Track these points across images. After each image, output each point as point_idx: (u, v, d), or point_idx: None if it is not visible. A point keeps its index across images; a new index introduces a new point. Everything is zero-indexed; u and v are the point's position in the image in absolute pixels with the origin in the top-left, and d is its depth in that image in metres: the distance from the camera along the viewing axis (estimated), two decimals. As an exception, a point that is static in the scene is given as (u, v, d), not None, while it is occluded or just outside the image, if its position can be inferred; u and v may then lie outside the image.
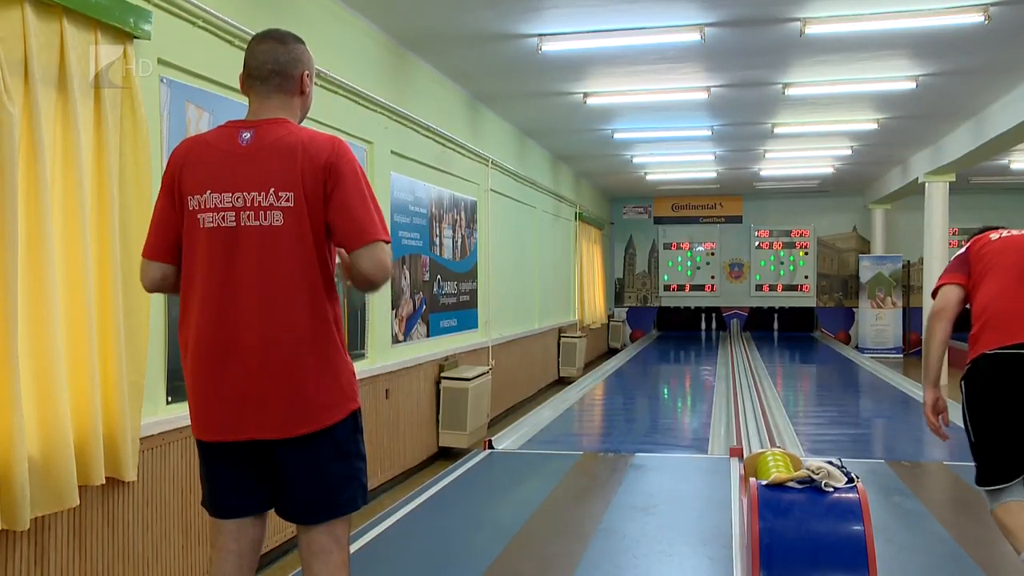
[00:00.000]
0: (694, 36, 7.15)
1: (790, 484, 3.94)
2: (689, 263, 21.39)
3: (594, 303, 17.33)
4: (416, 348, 7.84)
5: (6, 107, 3.15)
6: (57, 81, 3.48)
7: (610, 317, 20.41)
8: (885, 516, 5.14)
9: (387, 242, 2.58)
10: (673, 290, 21.48)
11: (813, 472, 3.97)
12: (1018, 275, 3.65)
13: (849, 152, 13.87)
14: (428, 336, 8.20)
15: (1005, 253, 3.75)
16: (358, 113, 6.54)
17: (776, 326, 21.97)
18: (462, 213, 9.25)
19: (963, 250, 3.92)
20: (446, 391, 8.09)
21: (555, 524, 5.21)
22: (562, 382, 13.65)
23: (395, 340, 7.34)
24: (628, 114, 10.77)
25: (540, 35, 7.28)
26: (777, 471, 4.28)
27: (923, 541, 4.93)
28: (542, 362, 12.99)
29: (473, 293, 9.65)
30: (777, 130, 11.65)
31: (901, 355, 17.70)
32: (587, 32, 7.19)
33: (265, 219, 2.50)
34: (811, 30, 6.96)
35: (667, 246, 21.44)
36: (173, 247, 2.63)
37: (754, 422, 8.82)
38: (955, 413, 4.29)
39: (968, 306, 3.81)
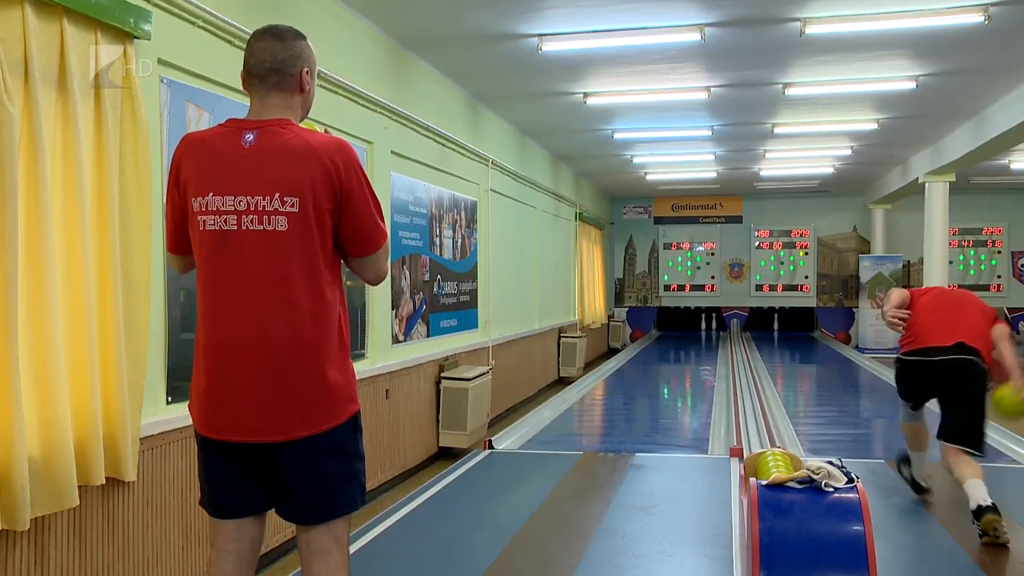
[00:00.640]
0: (694, 36, 7.15)
1: (790, 484, 3.94)
2: (689, 263, 21.40)
3: (594, 303, 17.33)
4: (416, 348, 7.84)
5: (6, 107, 3.15)
6: (57, 81, 3.48)
7: (610, 317, 20.41)
8: (885, 516, 5.14)
9: (386, 240, 2.65)
10: (673, 290, 21.49)
11: (813, 472, 3.97)
12: (932, 309, 5.63)
13: (849, 152, 13.87)
14: (428, 336, 8.20)
15: (928, 293, 5.86)
16: (358, 113, 6.54)
17: (776, 326, 21.98)
18: (462, 213, 9.25)
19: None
20: (446, 391, 8.09)
21: (555, 524, 5.20)
22: (562, 382, 13.65)
23: (395, 340, 7.34)
24: (628, 114, 10.77)
25: (540, 35, 7.28)
26: (777, 471, 4.28)
27: (923, 541, 4.93)
28: (542, 362, 12.99)
29: (473, 293, 9.65)
30: (777, 130, 11.65)
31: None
32: (587, 32, 7.20)
33: (269, 223, 2.48)
34: (811, 30, 6.96)
35: (667, 246, 21.45)
36: (188, 240, 2.64)
37: (754, 422, 8.82)
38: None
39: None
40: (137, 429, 3.87)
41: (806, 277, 20.84)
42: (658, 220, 21.34)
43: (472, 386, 8.12)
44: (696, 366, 15.86)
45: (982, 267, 19.62)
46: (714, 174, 16.52)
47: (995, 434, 7.87)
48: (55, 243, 3.42)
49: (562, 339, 14.23)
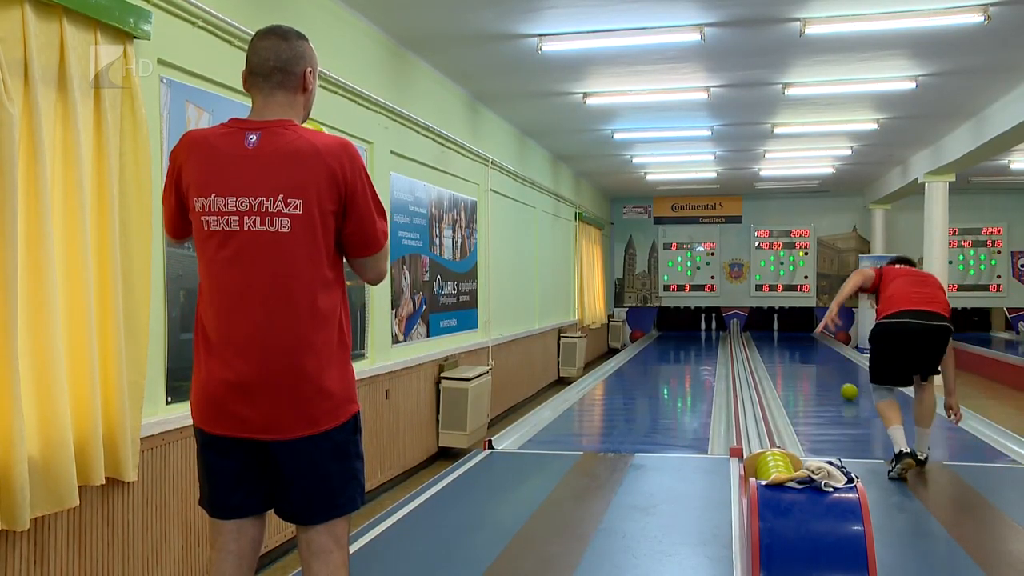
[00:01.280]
0: (694, 36, 7.16)
1: (790, 484, 3.94)
2: (689, 263, 21.39)
3: (594, 303, 17.33)
4: (416, 348, 7.84)
5: (6, 107, 3.15)
6: (57, 81, 3.48)
7: (610, 317, 20.42)
8: (884, 516, 5.14)
9: (387, 240, 2.69)
10: (673, 290, 21.48)
11: (813, 472, 3.97)
12: (903, 284, 6.28)
13: (849, 152, 13.88)
14: (428, 336, 8.20)
15: (899, 274, 6.40)
16: (358, 113, 6.54)
17: (776, 326, 21.98)
18: (462, 213, 9.25)
19: (879, 268, 6.60)
20: (446, 391, 8.09)
21: (555, 524, 5.20)
22: (562, 382, 13.65)
23: (395, 340, 7.34)
24: (628, 114, 10.78)
25: (540, 35, 7.28)
26: (777, 471, 4.28)
27: (923, 541, 4.93)
28: (542, 362, 12.99)
29: (473, 293, 9.65)
30: (777, 130, 11.65)
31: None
32: (587, 32, 7.20)
33: (272, 225, 2.48)
34: (811, 30, 6.96)
35: (667, 246, 21.44)
36: (188, 227, 2.65)
37: (754, 422, 8.82)
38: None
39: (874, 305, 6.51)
40: (137, 429, 3.87)
41: (806, 277, 20.85)
42: (658, 220, 21.34)
43: (472, 386, 8.13)
44: (696, 366, 15.85)
45: (982, 267, 19.62)
46: (714, 174, 16.52)
47: (995, 434, 7.88)
48: (55, 243, 3.42)
49: (562, 339, 14.23)
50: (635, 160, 14.77)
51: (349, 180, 2.54)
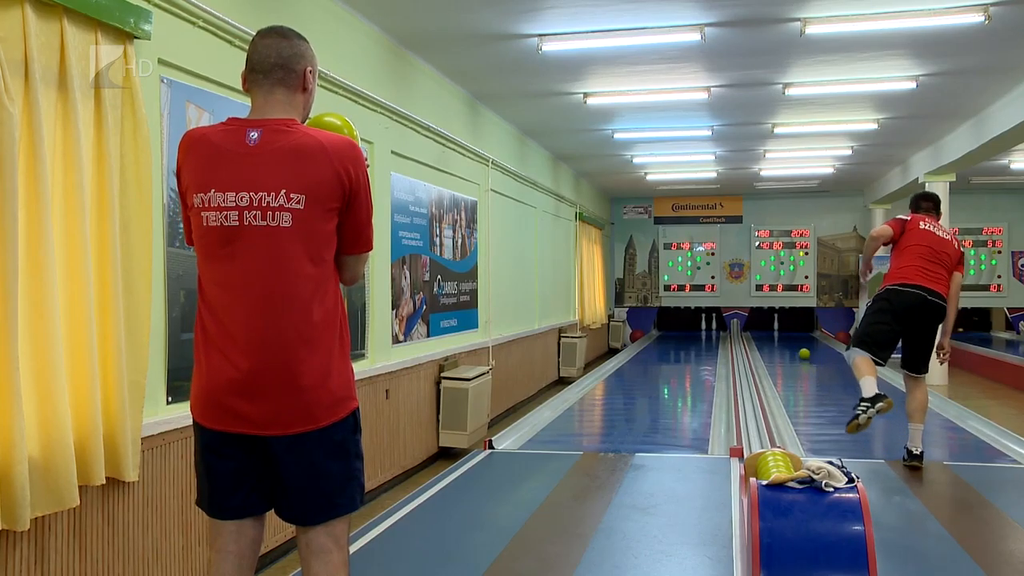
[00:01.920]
0: (694, 36, 7.16)
1: (790, 484, 3.94)
2: (689, 263, 21.39)
3: (594, 303, 17.33)
4: (416, 348, 7.84)
5: (6, 107, 3.15)
6: (57, 81, 3.49)
7: (610, 317, 20.42)
8: (885, 515, 5.14)
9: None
10: (673, 290, 21.48)
11: (813, 472, 3.97)
12: (929, 256, 6.37)
13: (849, 152, 13.88)
14: (428, 336, 8.20)
15: (920, 240, 6.42)
16: (358, 113, 6.54)
17: (776, 326, 21.98)
18: (462, 213, 9.25)
19: (907, 217, 6.61)
20: (446, 391, 8.09)
21: (555, 524, 5.20)
22: (562, 382, 13.65)
23: (395, 340, 7.34)
24: (628, 114, 10.78)
25: (540, 35, 7.28)
26: (777, 471, 4.28)
27: (923, 541, 4.93)
28: (542, 362, 12.99)
29: (473, 293, 9.65)
30: (777, 130, 11.65)
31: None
32: (587, 32, 7.20)
33: (272, 219, 2.48)
34: (811, 30, 6.96)
35: (667, 246, 21.44)
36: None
37: (754, 422, 8.82)
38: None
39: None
40: (138, 429, 3.88)
41: (806, 277, 20.84)
42: (658, 220, 21.34)
43: (472, 386, 8.13)
44: (696, 366, 15.85)
45: (982, 267, 19.61)
46: (714, 174, 16.52)
47: (995, 434, 7.88)
48: (55, 243, 3.43)
49: (562, 339, 14.24)
50: (635, 160, 14.77)
51: (353, 179, 2.56)
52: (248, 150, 2.52)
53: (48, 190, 3.35)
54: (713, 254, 21.27)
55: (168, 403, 4.33)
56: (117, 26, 3.75)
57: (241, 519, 2.66)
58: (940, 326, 6.50)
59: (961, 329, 19.11)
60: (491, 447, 7.38)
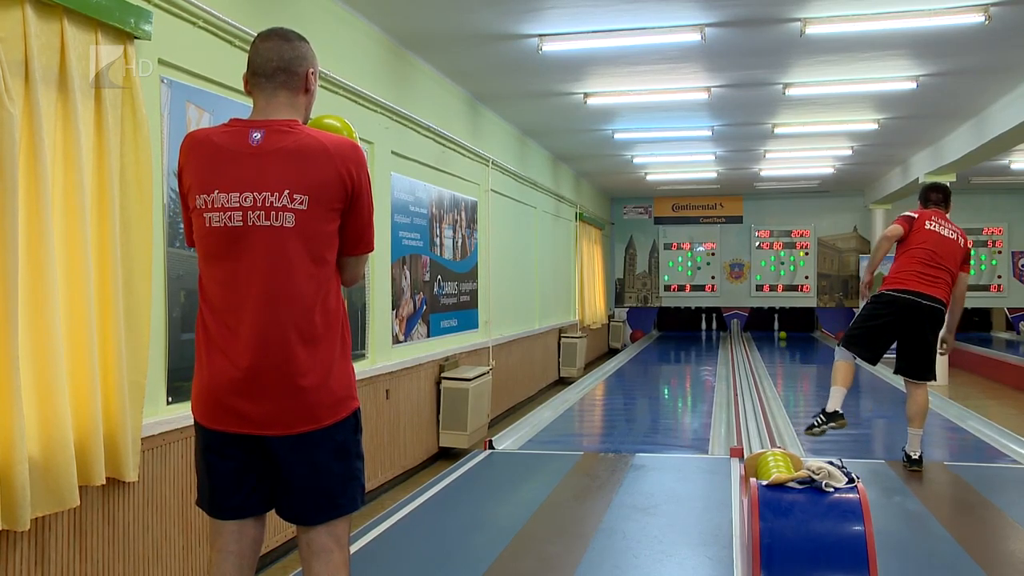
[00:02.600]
0: (694, 36, 7.16)
1: (790, 484, 3.94)
2: (689, 263, 21.39)
3: (594, 303, 17.33)
4: (416, 348, 7.84)
5: (7, 107, 3.15)
6: (58, 81, 3.49)
7: (610, 317, 20.41)
8: (885, 516, 5.14)
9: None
10: (673, 290, 21.48)
11: (813, 472, 3.97)
12: (934, 258, 6.29)
13: (849, 152, 13.88)
14: (428, 336, 8.20)
15: (923, 241, 6.33)
16: (358, 113, 6.54)
17: (776, 326, 21.99)
18: (462, 213, 9.25)
19: (915, 215, 6.51)
20: (446, 391, 8.09)
21: (555, 524, 5.20)
22: (562, 382, 13.65)
23: (395, 340, 7.34)
24: (628, 114, 10.78)
25: (540, 35, 7.28)
26: (777, 471, 4.28)
27: (923, 541, 4.92)
28: (542, 362, 12.99)
29: (473, 293, 9.65)
30: (777, 130, 11.65)
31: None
32: (587, 32, 7.20)
33: (276, 219, 2.49)
34: (811, 30, 6.96)
35: (667, 246, 21.44)
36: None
37: (754, 422, 8.81)
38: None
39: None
40: (138, 429, 3.88)
41: (806, 277, 20.85)
42: (658, 220, 21.34)
43: (472, 386, 8.13)
44: (696, 366, 15.85)
45: (982, 267, 19.60)
46: (714, 174, 16.53)
47: (995, 434, 7.88)
48: (55, 243, 3.43)
49: (562, 339, 14.24)
50: (635, 160, 14.78)
51: (356, 180, 2.58)
52: (251, 150, 2.53)
53: (48, 190, 3.36)
54: (713, 254, 21.27)
55: (168, 403, 4.33)
56: (117, 26, 3.75)
57: (242, 519, 2.66)
58: (940, 330, 6.40)
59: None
60: (491, 447, 7.38)
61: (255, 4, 5.12)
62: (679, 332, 22.06)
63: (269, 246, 2.50)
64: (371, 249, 2.73)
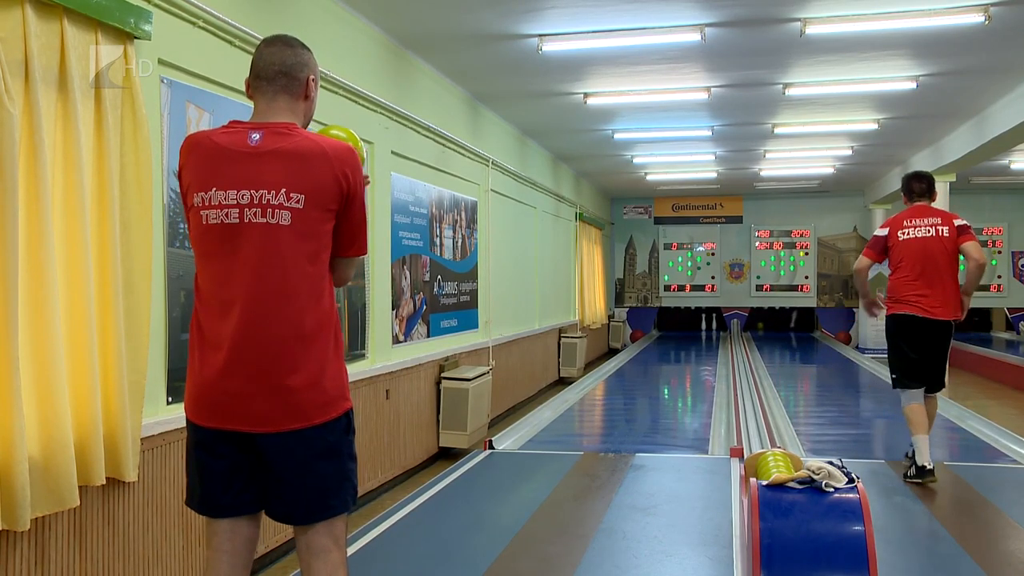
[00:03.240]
0: (694, 36, 7.15)
1: (790, 484, 3.94)
2: (689, 263, 21.39)
3: (594, 303, 17.33)
4: (416, 348, 7.84)
5: (6, 107, 3.15)
6: (57, 81, 3.49)
7: (610, 317, 20.41)
8: (885, 516, 5.14)
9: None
10: (673, 290, 21.48)
11: (813, 472, 3.97)
12: (918, 269, 6.08)
13: (849, 152, 13.88)
14: (428, 336, 8.20)
15: (905, 252, 6.15)
16: (358, 113, 6.54)
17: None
18: (462, 213, 9.25)
19: (884, 231, 6.30)
20: (446, 391, 8.09)
21: (555, 524, 5.20)
22: (562, 382, 13.65)
23: (395, 340, 7.34)
24: (628, 114, 10.78)
25: (540, 35, 7.28)
26: (778, 471, 4.28)
27: (923, 541, 4.93)
28: (542, 362, 12.99)
29: (473, 293, 9.65)
30: (777, 130, 11.65)
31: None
32: (587, 32, 7.20)
33: (273, 217, 2.53)
34: (811, 30, 6.96)
35: (667, 246, 21.44)
36: None
37: (754, 422, 8.81)
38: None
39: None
40: (138, 429, 3.88)
41: (806, 277, 20.85)
42: (658, 220, 21.33)
43: (472, 386, 8.13)
44: (696, 366, 15.85)
45: (983, 267, 19.55)
46: (714, 174, 16.53)
47: (995, 434, 7.88)
48: (55, 243, 3.43)
49: (562, 339, 14.24)
50: (635, 160, 14.78)
51: (351, 183, 2.61)
52: (250, 150, 2.56)
53: (48, 190, 3.36)
54: (713, 254, 21.27)
55: (168, 403, 4.33)
56: (117, 26, 3.75)
57: (234, 518, 2.67)
58: (950, 340, 6.21)
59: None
60: (491, 447, 7.38)
61: (255, 4, 5.12)
62: (679, 332, 22.06)
63: (265, 243, 2.52)
64: (364, 252, 2.76)
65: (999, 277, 19.67)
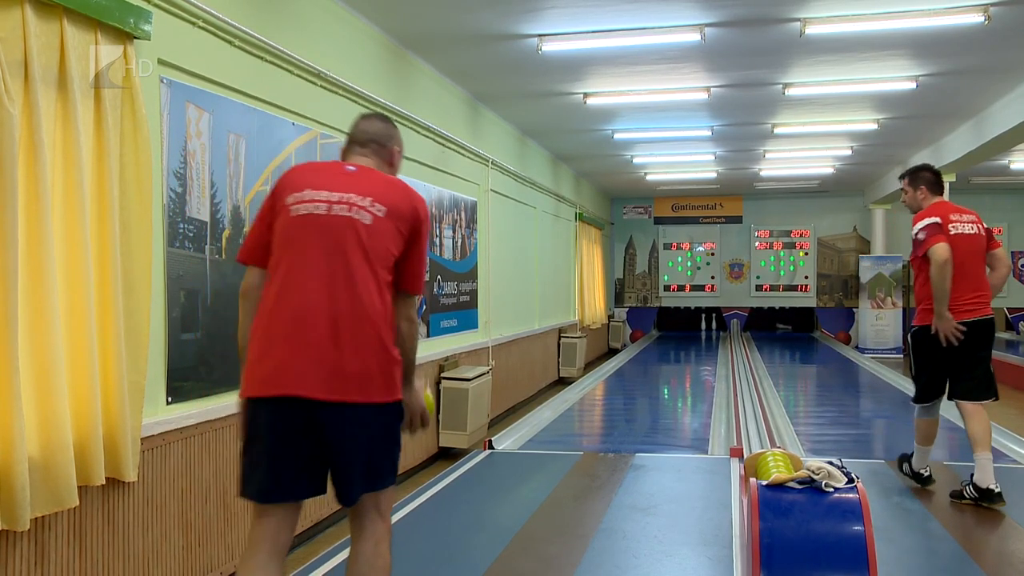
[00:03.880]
0: (694, 36, 7.16)
1: (790, 484, 3.94)
2: (689, 263, 21.40)
3: (594, 303, 17.33)
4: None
5: (6, 107, 3.15)
6: (57, 81, 3.49)
7: (610, 317, 20.42)
8: (885, 516, 5.14)
9: (423, 288, 3.15)
10: (673, 290, 21.48)
11: (813, 472, 3.97)
12: (965, 269, 5.49)
13: (849, 152, 13.89)
14: (428, 336, 8.20)
15: (959, 247, 5.48)
16: (357, 112, 6.52)
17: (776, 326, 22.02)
18: (462, 213, 9.25)
19: (935, 220, 5.50)
20: (446, 391, 8.09)
21: (555, 524, 5.20)
22: (562, 382, 13.65)
23: (395, 340, 7.32)
24: (628, 114, 10.78)
25: (540, 35, 7.28)
26: (777, 471, 4.28)
27: (923, 541, 4.93)
28: (542, 362, 12.99)
29: (473, 293, 9.65)
30: (777, 130, 11.66)
31: (901, 355, 17.64)
32: (587, 32, 7.20)
33: (354, 213, 2.88)
34: (811, 30, 6.96)
35: (667, 246, 21.45)
36: (266, 251, 2.95)
37: (754, 422, 8.82)
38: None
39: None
40: (138, 429, 3.88)
41: (806, 277, 20.85)
42: (658, 220, 21.34)
43: (472, 386, 8.13)
44: (696, 366, 15.86)
45: (982, 267, 19.56)
46: (714, 174, 16.53)
47: (995, 434, 7.87)
48: (55, 243, 3.43)
49: (562, 339, 14.24)
50: (635, 160, 14.78)
51: (421, 222, 3.01)
52: (345, 171, 3.02)
53: (48, 190, 3.36)
54: (713, 254, 21.27)
55: (168, 403, 4.32)
56: (117, 26, 3.75)
57: (286, 503, 2.85)
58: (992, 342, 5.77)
59: None
60: (491, 447, 7.38)
61: (255, 4, 5.12)
62: (679, 332, 22.06)
63: (344, 230, 2.85)
64: (419, 291, 3.07)
65: (999, 277, 19.62)
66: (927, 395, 5.85)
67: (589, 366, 15.44)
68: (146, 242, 3.92)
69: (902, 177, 6.08)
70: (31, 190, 3.31)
